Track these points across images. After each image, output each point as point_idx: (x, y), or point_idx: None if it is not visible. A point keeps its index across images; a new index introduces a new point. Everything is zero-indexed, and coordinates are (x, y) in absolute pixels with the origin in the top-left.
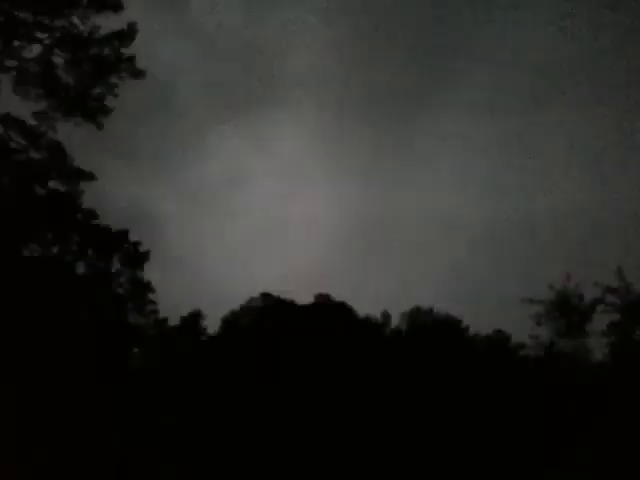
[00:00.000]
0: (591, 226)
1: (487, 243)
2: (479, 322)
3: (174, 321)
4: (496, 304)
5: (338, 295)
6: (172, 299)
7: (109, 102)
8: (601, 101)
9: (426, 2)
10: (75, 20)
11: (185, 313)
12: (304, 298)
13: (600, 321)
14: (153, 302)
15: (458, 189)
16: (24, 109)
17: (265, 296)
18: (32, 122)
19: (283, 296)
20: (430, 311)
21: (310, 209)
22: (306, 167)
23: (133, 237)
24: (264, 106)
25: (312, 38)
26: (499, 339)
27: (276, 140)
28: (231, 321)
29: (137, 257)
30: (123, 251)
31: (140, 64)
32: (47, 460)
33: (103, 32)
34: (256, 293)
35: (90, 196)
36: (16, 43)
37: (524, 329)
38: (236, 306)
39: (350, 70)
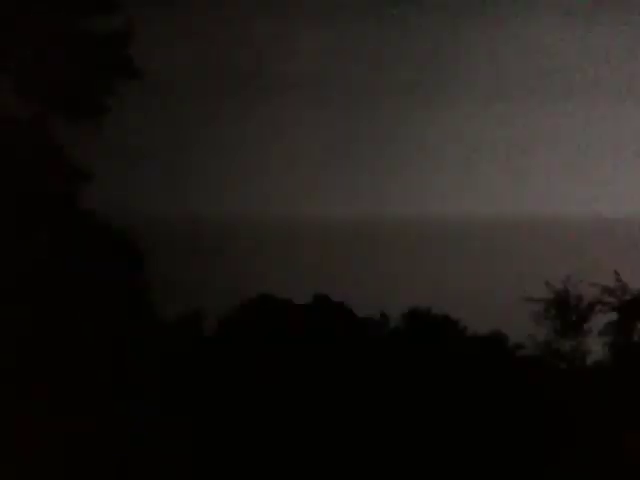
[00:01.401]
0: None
1: (486, 242)
2: (477, 323)
3: (172, 321)
4: (494, 304)
5: (336, 296)
6: (171, 299)
7: (108, 102)
8: None
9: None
10: (74, 20)
11: (184, 313)
12: (302, 298)
13: (599, 321)
14: (152, 302)
15: (459, 189)
16: (22, 109)
17: (263, 296)
18: (30, 122)
19: (281, 296)
20: (428, 312)
21: (311, 208)
22: (311, 167)
23: (132, 236)
24: (264, 106)
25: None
26: (497, 340)
27: (277, 141)
28: (229, 321)
29: (136, 257)
30: (122, 251)
31: (139, 64)
32: (46, 459)
33: (102, 32)
34: (254, 293)
35: (90, 196)
36: (15, 44)
37: (522, 329)
38: (234, 306)
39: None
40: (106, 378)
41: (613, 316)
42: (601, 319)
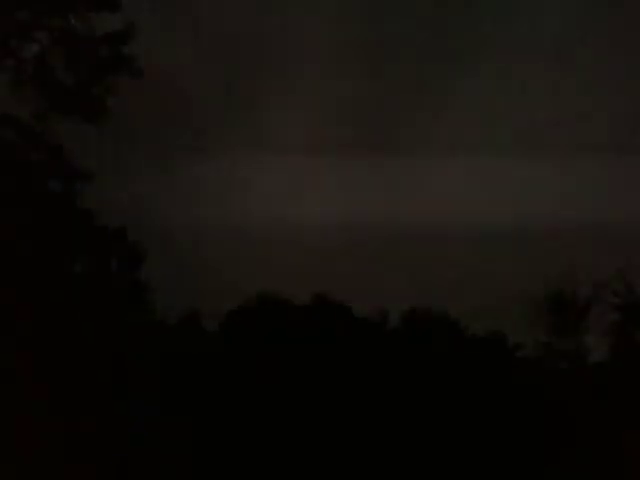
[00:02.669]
0: (593, 224)
1: (487, 241)
2: (477, 322)
3: (172, 321)
4: (494, 304)
5: (336, 295)
6: (170, 299)
7: (107, 102)
8: None
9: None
10: (73, 19)
11: (183, 313)
12: (302, 298)
13: (600, 321)
14: (151, 302)
15: (460, 191)
16: (22, 109)
17: (262, 296)
18: (30, 122)
19: (281, 296)
20: (428, 311)
21: (310, 210)
22: (309, 168)
23: (132, 237)
24: (265, 105)
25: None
26: (496, 339)
27: (278, 141)
28: (229, 321)
29: (135, 257)
30: (121, 251)
31: (139, 63)
32: (46, 460)
33: (101, 31)
34: (253, 293)
35: (89, 196)
36: (14, 42)
37: (522, 329)
38: (234, 306)
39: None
40: (106, 378)
41: (617, 316)
42: (603, 319)
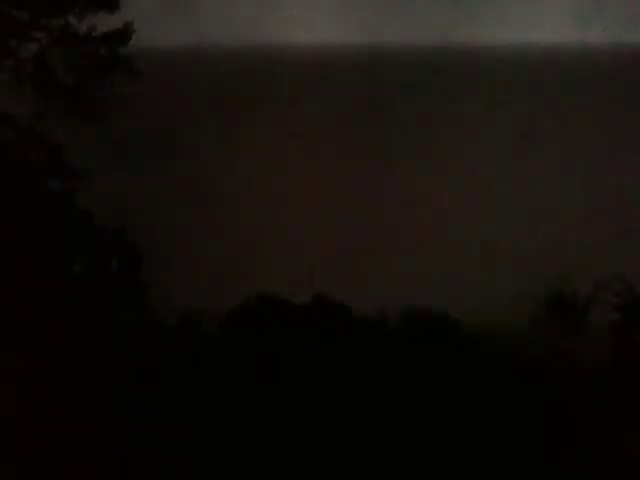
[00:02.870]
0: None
1: (486, 241)
2: (477, 322)
3: (171, 321)
4: (494, 304)
5: (336, 295)
6: (169, 299)
7: (106, 101)
8: None
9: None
10: (72, 19)
11: (183, 313)
12: (301, 298)
13: (600, 321)
14: (150, 302)
15: (459, 192)
16: (21, 108)
17: (262, 296)
18: (29, 122)
19: (280, 296)
20: (428, 311)
21: (309, 209)
22: (306, 166)
23: (131, 237)
24: (266, 105)
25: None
26: (496, 340)
27: (276, 142)
28: (228, 321)
29: (134, 257)
30: (120, 251)
31: (138, 63)
32: (46, 460)
33: (100, 31)
34: (253, 293)
35: (88, 195)
36: (13, 42)
37: (522, 329)
38: (234, 306)
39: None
40: (106, 378)
41: (617, 317)
42: (603, 319)
